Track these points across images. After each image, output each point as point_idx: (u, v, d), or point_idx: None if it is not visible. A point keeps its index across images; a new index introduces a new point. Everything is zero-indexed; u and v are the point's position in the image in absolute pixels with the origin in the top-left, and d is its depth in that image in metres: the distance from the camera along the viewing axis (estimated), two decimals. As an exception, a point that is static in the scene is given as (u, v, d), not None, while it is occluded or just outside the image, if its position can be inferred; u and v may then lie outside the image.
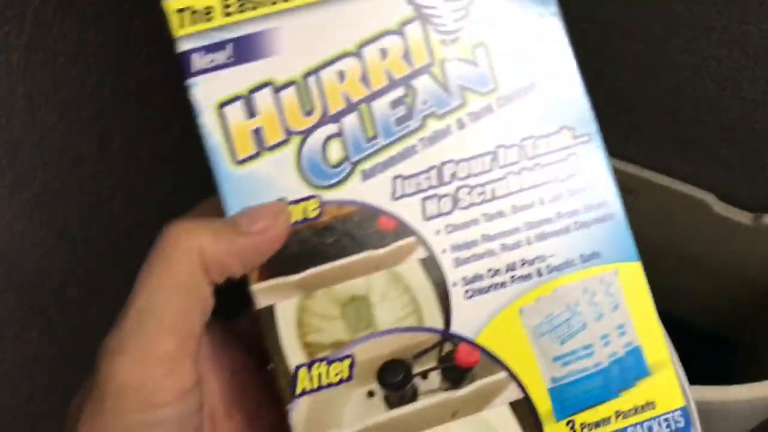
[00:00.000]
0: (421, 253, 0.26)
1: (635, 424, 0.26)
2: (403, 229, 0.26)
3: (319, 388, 0.25)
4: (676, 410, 0.27)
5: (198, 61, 0.26)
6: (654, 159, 0.64)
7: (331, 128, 0.26)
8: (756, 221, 0.63)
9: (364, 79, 0.26)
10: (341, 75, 0.26)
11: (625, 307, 0.27)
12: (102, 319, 0.48)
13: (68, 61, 0.44)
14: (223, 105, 0.26)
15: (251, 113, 0.26)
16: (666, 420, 0.27)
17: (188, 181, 0.46)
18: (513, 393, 0.26)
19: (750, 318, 0.69)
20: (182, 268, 0.23)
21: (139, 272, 0.24)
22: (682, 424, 0.27)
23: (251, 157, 0.26)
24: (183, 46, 0.26)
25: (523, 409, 0.26)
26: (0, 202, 0.43)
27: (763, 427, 0.60)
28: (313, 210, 0.26)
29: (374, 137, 0.26)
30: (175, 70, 0.26)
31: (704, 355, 0.72)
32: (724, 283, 0.69)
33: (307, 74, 0.26)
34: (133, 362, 0.22)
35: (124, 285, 0.54)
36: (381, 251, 0.26)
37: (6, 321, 0.46)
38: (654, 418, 0.27)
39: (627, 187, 0.65)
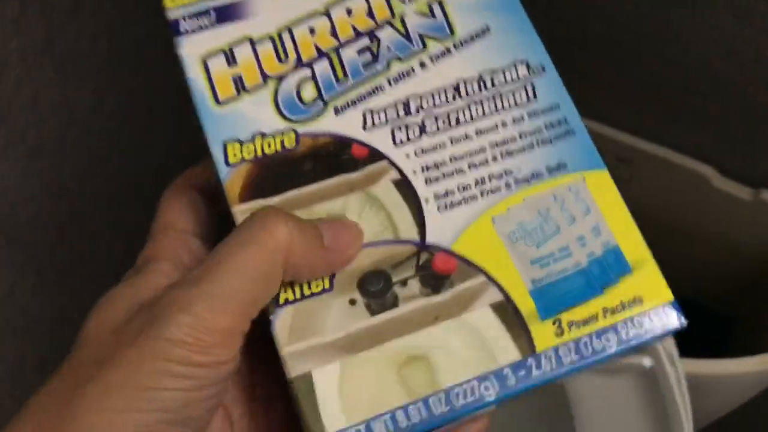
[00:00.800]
0: (393, 175, 0.28)
1: (625, 320, 0.26)
2: (375, 155, 0.28)
3: (302, 298, 0.26)
4: (665, 304, 0.27)
5: (185, 25, 0.29)
6: (654, 130, 0.64)
7: (304, 72, 0.29)
8: (755, 196, 0.61)
9: (333, 32, 0.30)
10: (311, 30, 0.30)
11: (597, 210, 0.28)
12: (95, 275, 0.48)
13: (63, 15, 0.45)
14: (206, 58, 0.29)
15: (231, 63, 0.29)
16: (657, 314, 0.26)
17: (183, 140, 0.46)
18: (493, 295, 0.26)
19: (748, 292, 0.67)
20: (270, 258, 0.24)
21: (229, 240, 0.25)
22: (674, 318, 0.27)
23: (232, 99, 0.29)
24: (172, 15, 0.30)
25: (506, 310, 0.26)
26: None
27: (755, 403, 0.58)
28: (290, 141, 0.28)
29: (344, 78, 0.29)
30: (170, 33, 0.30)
31: (702, 329, 0.71)
32: (721, 257, 0.67)
33: (281, 31, 0.30)
34: (196, 325, 0.23)
35: (118, 243, 0.53)
36: (355, 174, 0.28)
37: (0, 276, 0.46)
38: (644, 313, 0.26)
39: (625, 158, 0.65)
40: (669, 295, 0.26)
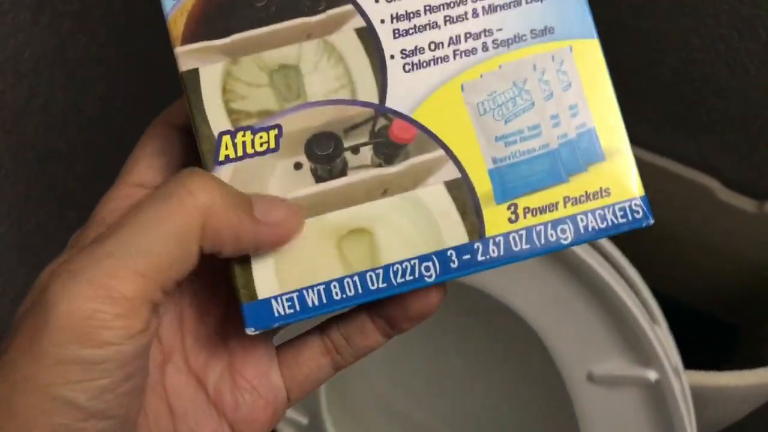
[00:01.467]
0: (357, 22, 0.24)
1: (586, 212, 0.24)
2: None
3: (244, 156, 0.24)
4: (633, 199, 0.24)
5: None
6: (658, 142, 0.62)
7: None
8: (760, 208, 0.60)
9: None
10: None
11: (579, 87, 0.24)
12: None
13: (74, 24, 0.44)
14: None
15: None
16: (621, 209, 0.24)
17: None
18: (449, 172, 0.24)
19: (754, 303, 0.67)
20: (185, 216, 0.21)
21: (144, 198, 0.22)
22: (640, 214, 0.24)
23: None
24: None
25: (460, 190, 0.24)
26: (5, 164, 0.43)
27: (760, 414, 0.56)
28: None
29: None
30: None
31: (708, 339, 0.70)
32: (726, 268, 0.67)
33: None
34: (87, 293, 0.20)
35: None
36: (315, 18, 0.24)
37: (9, 281, 0.46)
38: (608, 206, 0.24)
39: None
40: (640, 190, 0.24)
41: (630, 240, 0.68)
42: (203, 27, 0.24)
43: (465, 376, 0.54)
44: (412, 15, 0.24)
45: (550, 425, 0.51)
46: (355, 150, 0.24)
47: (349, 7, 0.24)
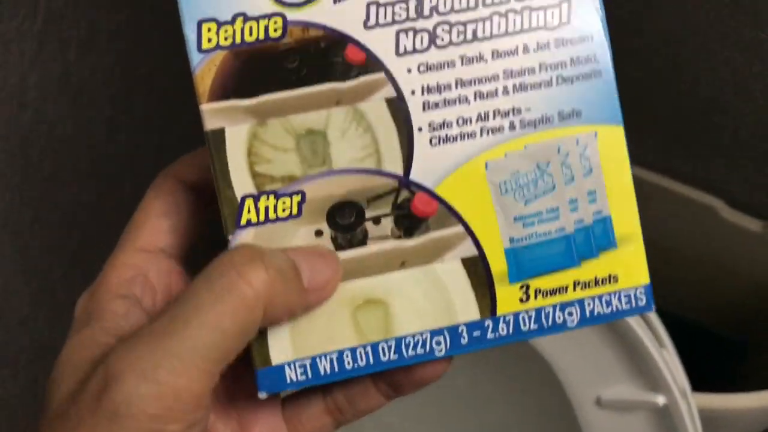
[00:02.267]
0: (388, 91, 0.24)
1: (593, 297, 0.25)
2: (372, 63, 0.24)
3: (266, 221, 0.24)
4: (639, 287, 0.25)
5: None
6: (663, 162, 0.62)
7: None
8: (765, 228, 0.60)
9: None
10: None
11: (599, 173, 0.25)
12: None
13: (80, 50, 0.44)
14: None
15: None
16: (627, 296, 0.25)
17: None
18: (467, 249, 0.24)
19: (760, 323, 0.67)
20: (248, 311, 0.21)
21: (199, 286, 0.21)
22: (643, 302, 0.25)
23: None
24: None
25: (476, 267, 0.24)
26: (11, 189, 0.43)
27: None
28: (276, 29, 0.24)
29: None
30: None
31: (716, 358, 0.70)
32: (733, 288, 0.66)
33: None
34: (161, 395, 0.20)
35: None
36: (346, 84, 0.24)
37: (14, 304, 0.47)
38: (614, 293, 0.25)
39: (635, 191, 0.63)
40: (646, 278, 0.25)
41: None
42: (231, 85, 0.24)
43: (472, 401, 0.55)
44: (443, 88, 0.24)
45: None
46: (376, 221, 0.24)
47: (381, 75, 0.24)
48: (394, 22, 0.24)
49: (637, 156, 0.63)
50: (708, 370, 0.71)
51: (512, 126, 0.24)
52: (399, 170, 0.24)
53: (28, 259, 0.46)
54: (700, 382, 0.57)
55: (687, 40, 0.53)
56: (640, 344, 0.44)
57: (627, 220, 0.25)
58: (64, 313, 0.50)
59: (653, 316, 0.47)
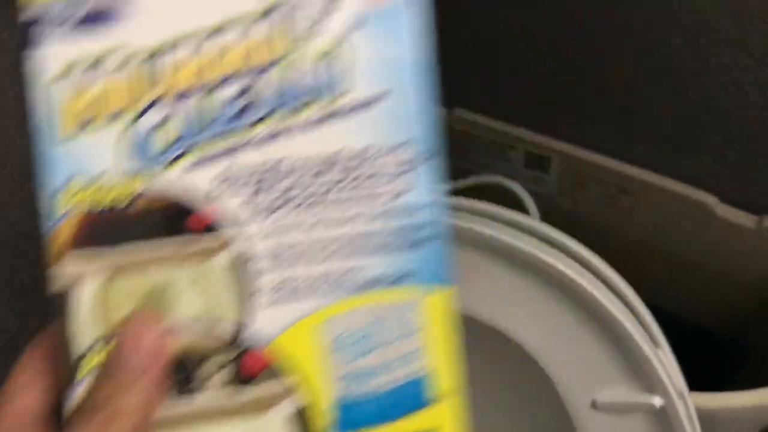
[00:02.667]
0: (231, 252, 0.26)
1: None
2: (216, 226, 0.26)
3: None
4: None
5: (38, 30, 0.24)
6: (655, 160, 0.63)
7: (165, 110, 0.25)
8: (759, 224, 0.59)
9: (213, 63, 0.25)
10: (189, 56, 0.25)
11: (425, 332, 0.26)
12: None
13: None
14: (57, 77, 0.25)
15: (84, 87, 0.25)
16: None
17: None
18: (293, 404, 0.26)
19: (758, 321, 0.67)
20: None
21: None
22: None
23: (75, 133, 0.25)
24: (26, 14, 0.24)
25: (303, 420, 0.26)
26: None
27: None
28: (130, 194, 0.25)
29: (210, 125, 0.25)
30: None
31: (714, 357, 0.69)
32: (729, 285, 0.67)
33: (156, 53, 0.25)
34: None
35: None
36: (189, 246, 0.25)
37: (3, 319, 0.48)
38: None
39: (627, 189, 0.63)
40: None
41: (632, 259, 0.68)
42: (83, 246, 0.25)
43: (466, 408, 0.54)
44: (283, 249, 0.25)
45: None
46: (207, 376, 0.25)
47: (225, 237, 0.25)
48: (244, 186, 0.25)
49: (629, 155, 0.63)
50: (707, 370, 0.70)
51: (346, 286, 0.26)
52: (234, 328, 0.25)
53: (18, 274, 0.47)
54: (699, 382, 0.56)
55: (676, 38, 0.54)
56: (635, 345, 0.44)
57: (447, 378, 0.26)
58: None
59: (648, 316, 0.47)
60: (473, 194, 0.59)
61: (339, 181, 0.26)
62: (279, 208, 0.26)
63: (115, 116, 0.25)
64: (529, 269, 0.43)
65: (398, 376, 0.26)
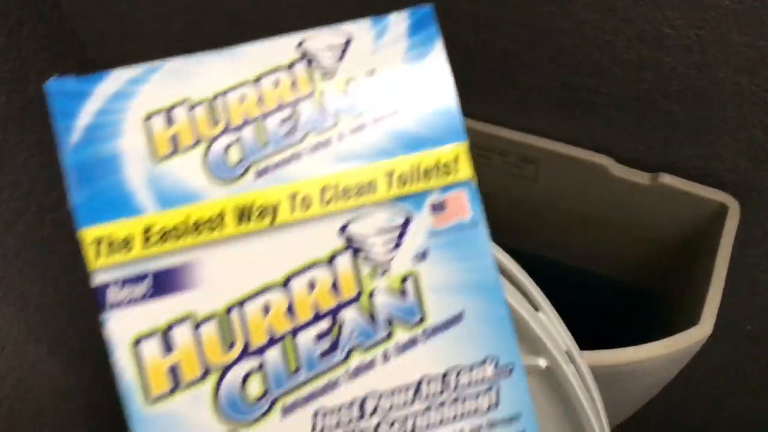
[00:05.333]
0: None
1: None
2: None
3: None
4: None
5: (114, 295, 0.24)
6: (549, 127, 0.64)
7: (252, 363, 0.25)
8: (654, 180, 0.61)
9: (290, 311, 0.25)
10: (266, 308, 0.25)
11: None
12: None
13: None
14: (138, 341, 0.25)
15: (168, 349, 0.25)
16: None
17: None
18: None
19: (663, 271, 0.70)
20: None
21: None
22: None
23: (165, 395, 0.25)
24: (98, 279, 0.24)
25: None
26: None
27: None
28: None
29: (297, 371, 0.25)
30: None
31: (628, 307, 0.72)
32: (633, 241, 0.69)
33: (230, 308, 0.25)
34: None
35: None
36: None
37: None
38: None
39: (529, 158, 0.64)
40: None
41: (540, 223, 0.69)
42: None
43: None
44: None
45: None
46: None
47: None
48: (338, 426, 0.25)
49: (525, 123, 0.65)
50: (623, 321, 0.72)
51: None
52: None
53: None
54: (616, 334, 0.57)
55: (543, 3, 0.55)
56: (513, 312, 0.45)
57: None
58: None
59: (527, 281, 0.48)
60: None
61: (426, 408, 0.26)
62: None
63: (205, 374, 0.25)
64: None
65: None
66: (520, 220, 0.71)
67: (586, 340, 0.52)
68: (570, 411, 0.49)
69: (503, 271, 0.47)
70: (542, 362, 0.46)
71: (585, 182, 0.65)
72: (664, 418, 0.89)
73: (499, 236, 0.49)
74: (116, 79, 0.25)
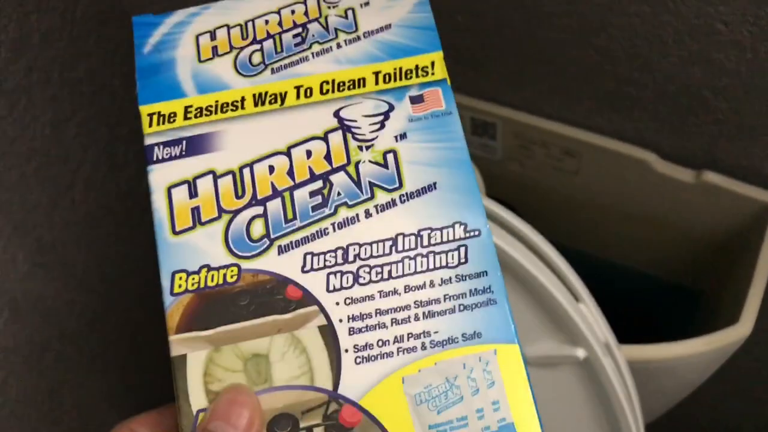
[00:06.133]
0: (320, 320, 0.30)
1: None
2: (307, 299, 0.30)
3: None
4: None
5: (158, 153, 0.32)
6: (594, 120, 0.64)
7: (256, 210, 0.31)
8: (697, 178, 0.61)
9: (290, 172, 0.32)
10: (271, 168, 0.32)
11: (501, 385, 0.29)
12: (65, 299, 0.50)
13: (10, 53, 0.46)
14: (171, 187, 0.31)
15: (193, 194, 0.31)
16: None
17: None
18: None
19: (703, 268, 0.70)
20: None
21: None
22: None
23: (187, 230, 0.31)
24: (148, 141, 0.32)
25: None
26: None
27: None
28: (232, 276, 0.30)
29: (293, 219, 0.31)
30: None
31: (666, 303, 0.71)
32: (674, 237, 0.69)
33: (243, 166, 0.32)
34: None
35: (87, 269, 0.55)
36: (286, 316, 0.30)
37: None
38: None
39: (571, 151, 0.64)
40: None
41: (580, 216, 0.69)
42: (194, 319, 0.30)
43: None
44: (365, 317, 0.30)
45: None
46: (309, 430, 0.28)
47: (314, 308, 0.30)
48: (325, 266, 0.30)
49: (569, 115, 0.65)
50: (663, 318, 0.72)
51: (423, 346, 0.29)
52: (329, 386, 0.29)
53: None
54: (655, 329, 0.57)
55: None
56: (554, 301, 0.45)
57: (528, 425, 0.29)
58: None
59: (569, 272, 0.49)
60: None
61: (400, 259, 0.30)
62: (354, 283, 0.30)
63: (219, 214, 0.31)
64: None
65: (482, 426, 0.28)
66: (560, 213, 0.71)
67: (623, 335, 0.52)
68: (606, 403, 0.49)
69: (546, 261, 0.48)
70: (581, 353, 0.47)
71: (627, 177, 0.65)
72: (696, 419, 0.88)
73: (538, 228, 0.49)
74: (180, 13, 0.34)
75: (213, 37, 0.34)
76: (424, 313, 0.29)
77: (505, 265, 0.46)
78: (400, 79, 0.33)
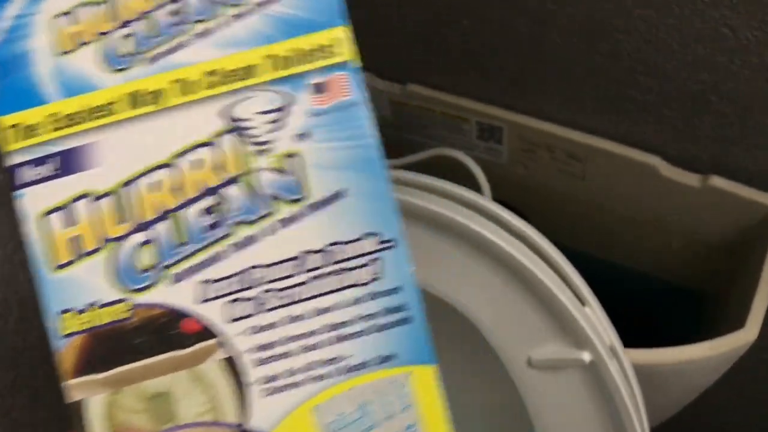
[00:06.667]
0: (221, 353, 0.28)
1: None
2: (206, 331, 0.28)
3: None
4: None
5: (25, 174, 0.28)
6: (600, 124, 0.64)
7: (143, 235, 0.28)
8: (703, 182, 0.61)
9: (177, 188, 0.28)
10: (156, 185, 0.28)
11: (415, 408, 0.28)
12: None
13: None
14: (45, 214, 0.28)
15: (70, 222, 0.28)
16: None
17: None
18: None
19: (709, 272, 0.69)
20: None
21: None
22: None
23: (69, 263, 0.28)
24: (12, 160, 0.28)
25: None
26: None
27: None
28: (124, 312, 0.28)
29: (185, 243, 0.28)
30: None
31: (671, 307, 0.73)
32: (680, 241, 0.69)
33: (124, 185, 0.28)
34: None
35: None
36: (184, 352, 0.28)
37: None
38: None
39: (576, 155, 0.64)
40: None
41: (585, 221, 0.69)
42: (88, 362, 0.28)
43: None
44: (271, 345, 0.28)
45: (502, 415, 0.53)
46: None
47: (214, 341, 0.28)
48: (224, 294, 0.28)
49: (574, 120, 0.65)
50: (669, 321, 0.72)
51: (335, 372, 0.28)
52: (236, 420, 0.28)
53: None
54: (662, 333, 0.57)
55: (602, 1, 0.55)
56: (559, 304, 0.46)
57: None
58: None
59: (574, 275, 0.49)
60: (429, 165, 0.62)
61: (308, 280, 0.28)
62: (259, 309, 0.28)
63: (102, 243, 0.28)
64: (462, 238, 0.46)
65: None
66: (566, 217, 0.71)
67: (628, 339, 0.52)
68: (612, 407, 0.49)
69: (551, 264, 0.48)
70: (586, 357, 0.47)
71: (633, 182, 0.65)
72: (703, 423, 0.88)
73: (543, 231, 0.49)
74: None
75: (74, 19, 0.28)
76: (336, 336, 0.28)
77: (510, 268, 0.46)
78: (298, 63, 0.28)
